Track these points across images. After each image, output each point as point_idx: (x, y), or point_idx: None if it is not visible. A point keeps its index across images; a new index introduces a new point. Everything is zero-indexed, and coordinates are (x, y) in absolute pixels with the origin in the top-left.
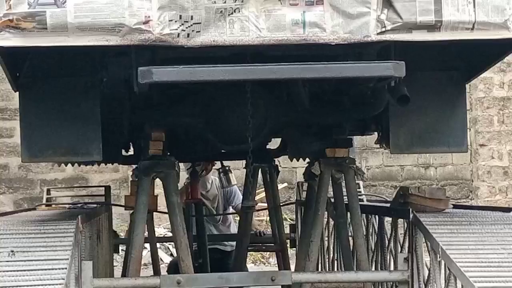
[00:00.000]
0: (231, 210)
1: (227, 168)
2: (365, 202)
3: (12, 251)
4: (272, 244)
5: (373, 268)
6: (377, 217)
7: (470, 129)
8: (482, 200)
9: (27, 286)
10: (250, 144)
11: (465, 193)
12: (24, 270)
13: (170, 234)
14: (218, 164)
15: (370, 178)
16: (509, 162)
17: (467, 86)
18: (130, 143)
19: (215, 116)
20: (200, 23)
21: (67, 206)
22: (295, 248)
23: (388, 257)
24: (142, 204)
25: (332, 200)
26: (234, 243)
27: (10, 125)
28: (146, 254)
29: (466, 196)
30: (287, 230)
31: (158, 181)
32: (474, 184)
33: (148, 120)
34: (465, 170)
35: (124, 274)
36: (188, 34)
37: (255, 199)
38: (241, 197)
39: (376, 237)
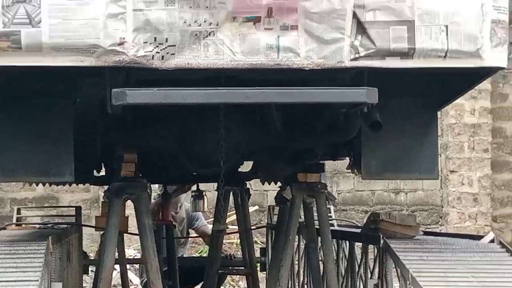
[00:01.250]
0: (192, 232)
1: (202, 192)
2: (336, 227)
3: None
4: (243, 268)
5: None
6: (347, 242)
7: (440, 155)
8: (452, 226)
9: None
10: (222, 167)
11: (435, 219)
12: None
13: (140, 256)
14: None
15: (341, 202)
16: (479, 189)
17: (438, 112)
18: (102, 164)
19: (188, 138)
20: (174, 45)
21: (37, 226)
22: (265, 272)
23: (358, 283)
24: (113, 226)
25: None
26: None
27: None
28: (116, 275)
29: (436, 222)
30: (257, 253)
31: (129, 202)
32: (444, 210)
33: (120, 142)
34: (435, 196)
35: None
36: (163, 57)
37: (226, 221)
38: (203, 220)
39: (346, 262)
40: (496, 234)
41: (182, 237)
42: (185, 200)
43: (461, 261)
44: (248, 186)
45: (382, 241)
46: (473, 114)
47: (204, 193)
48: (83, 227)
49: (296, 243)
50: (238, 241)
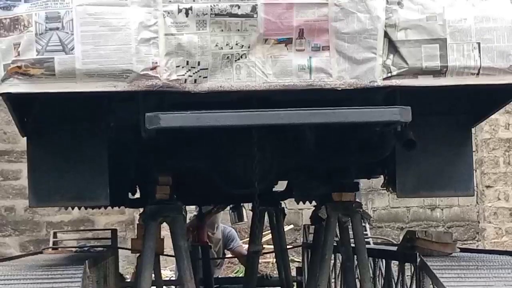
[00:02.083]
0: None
1: (240, 203)
2: (372, 245)
3: None
4: (279, 287)
5: None
6: (384, 260)
7: (476, 171)
8: (489, 242)
9: None
10: (257, 188)
11: (471, 235)
12: None
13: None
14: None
15: (376, 219)
16: None
17: (473, 128)
18: (137, 187)
19: (221, 160)
20: (207, 68)
21: (73, 249)
22: None
23: None
24: (149, 249)
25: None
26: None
27: (16, 167)
28: None
29: (473, 237)
30: (293, 272)
31: (164, 223)
32: (480, 225)
33: (154, 165)
34: (472, 212)
35: None
36: (195, 80)
37: (262, 241)
38: (239, 240)
39: (383, 281)
40: None
41: (219, 257)
42: (221, 222)
43: (499, 277)
44: (283, 205)
45: (418, 259)
46: (507, 129)
47: (242, 204)
48: (119, 250)
49: (332, 262)
50: (274, 260)
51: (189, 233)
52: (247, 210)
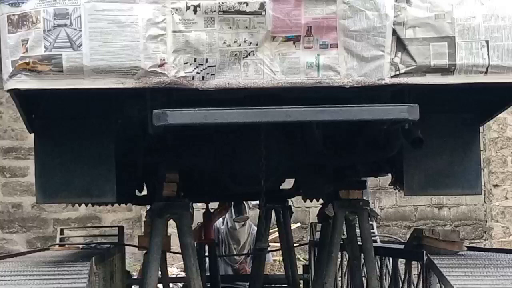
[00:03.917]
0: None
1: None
2: (379, 244)
3: None
4: (285, 285)
5: None
6: (391, 258)
7: (483, 170)
8: (496, 241)
9: None
10: (264, 186)
11: (479, 234)
12: None
13: (183, 274)
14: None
15: (383, 218)
16: None
17: (480, 126)
18: (144, 184)
19: (229, 157)
20: (214, 66)
21: (80, 246)
22: None
23: None
24: (155, 245)
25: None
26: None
27: (24, 164)
28: None
29: (480, 236)
30: (300, 270)
31: (171, 221)
32: (488, 224)
33: (162, 162)
34: (479, 211)
35: None
36: (203, 77)
37: (268, 239)
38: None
39: (390, 279)
40: None
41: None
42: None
43: (506, 276)
44: (290, 203)
45: (425, 257)
46: None
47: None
48: (126, 247)
49: (339, 260)
50: (281, 258)
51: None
52: (248, 206)
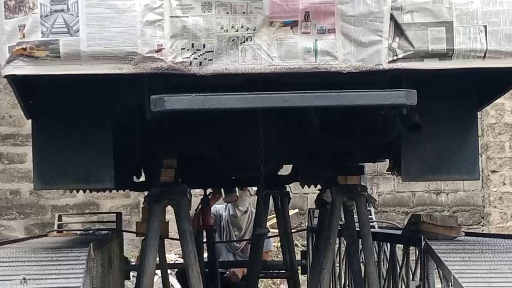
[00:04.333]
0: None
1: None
2: (377, 229)
3: (24, 279)
4: (283, 271)
5: None
6: (388, 244)
7: (481, 155)
8: (494, 227)
9: None
10: (262, 171)
11: (476, 219)
12: None
13: (181, 260)
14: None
15: (381, 204)
16: None
17: (478, 112)
18: (142, 170)
19: (226, 143)
20: (212, 51)
21: (78, 232)
22: (306, 275)
23: (400, 285)
24: (153, 231)
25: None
26: None
27: (21, 150)
28: (157, 280)
29: (478, 222)
30: (298, 256)
31: (169, 207)
32: (485, 210)
33: (160, 148)
34: (477, 196)
35: None
36: (200, 63)
37: (266, 225)
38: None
39: (387, 265)
40: None
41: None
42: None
43: (503, 261)
44: (288, 189)
45: (423, 243)
46: None
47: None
48: (124, 233)
49: (337, 246)
50: (279, 244)
51: (195, 221)
52: (249, 193)
